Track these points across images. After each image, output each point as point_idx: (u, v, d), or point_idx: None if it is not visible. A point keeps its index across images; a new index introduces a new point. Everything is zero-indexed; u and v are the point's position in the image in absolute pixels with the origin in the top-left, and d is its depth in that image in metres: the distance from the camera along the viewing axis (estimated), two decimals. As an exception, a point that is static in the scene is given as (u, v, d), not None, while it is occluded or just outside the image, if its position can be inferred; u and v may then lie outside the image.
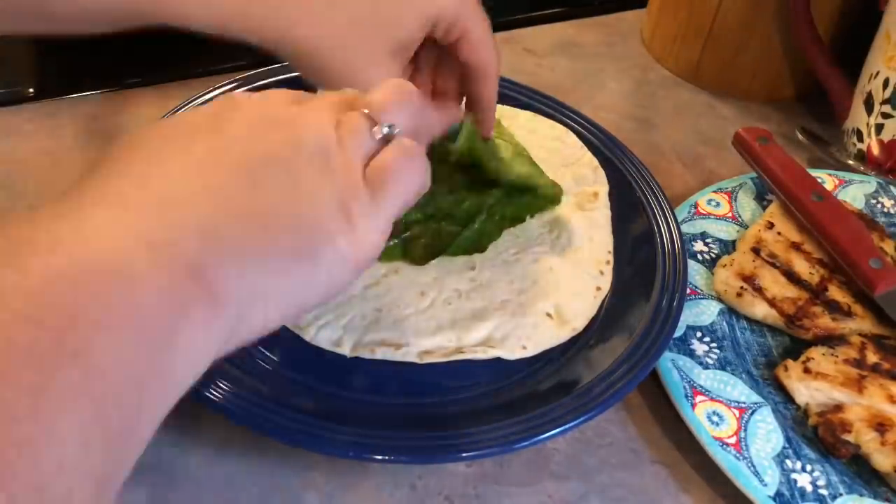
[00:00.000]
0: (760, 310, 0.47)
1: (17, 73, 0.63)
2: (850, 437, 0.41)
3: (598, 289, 0.46)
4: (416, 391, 0.41)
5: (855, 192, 0.58)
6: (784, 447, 0.41)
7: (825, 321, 0.47)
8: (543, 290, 0.45)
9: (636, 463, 0.42)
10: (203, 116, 0.30)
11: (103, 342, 0.22)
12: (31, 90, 0.61)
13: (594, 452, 0.42)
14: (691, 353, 0.45)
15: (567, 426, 0.38)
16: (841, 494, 0.39)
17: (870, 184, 0.59)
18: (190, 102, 0.52)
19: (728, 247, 0.52)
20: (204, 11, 0.38)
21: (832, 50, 0.66)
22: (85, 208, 0.26)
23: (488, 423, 0.38)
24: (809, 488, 0.39)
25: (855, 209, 0.55)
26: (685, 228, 0.52)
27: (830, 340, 0.46)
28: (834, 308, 0.48)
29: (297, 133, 0.29)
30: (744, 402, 0.43)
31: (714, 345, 0.46)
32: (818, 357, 0.45)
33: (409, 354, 0.41)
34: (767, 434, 0.41)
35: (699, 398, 0.42)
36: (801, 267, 0.50)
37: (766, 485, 0.39)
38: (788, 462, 0.40)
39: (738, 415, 0.42)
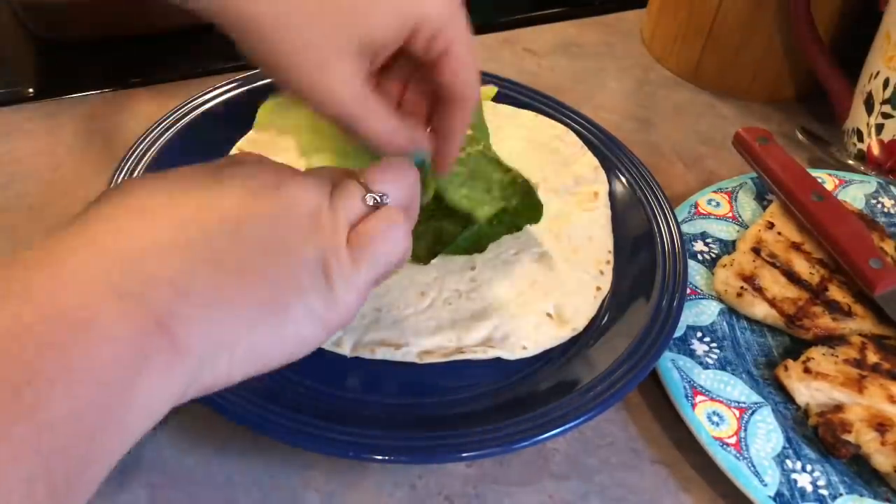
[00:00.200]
0: (760, 310, 0.47)
1: (17, 73, 0.63)
2: (850, 437, 0.41)
3: (598, 289, 0.46)
4: (416, 391, 0.41)
5: (855, 192, 0.58)
6: (784, 447, 0.41)
7: (825, 321, 0.47)
8: (543, 290, 0.45)
9: (636, 463, 0.42)
10: (204, 169, 0.31)
11: (59, 398, 0.23)
12: (31, 90, 0.61)
13: (594, 452, 0.42)
14: (691, 353, 0.45)
15: (567, 426, 0.38)
16: (841, 494, 0.39)
17: (870, 184, 0.59)
18: (190, 102, 0.52)
19: (728, 247, 0.52)
20: None
21: (832, 50, 0.66)
22: (62, 257, 0.26)
23: (488, 423, 0.38)
24: (809, 488, 0.39)
25: (855, 209, 0.55)
26: (685, 228, 0.52)
27: (830, 340, 0.46)
28: (834, 308, 0.48)
29: (291, 196, 0.31)
30: (744, 402, 0.43)
31: (714, 345, 0.46)
32: (818, 357, 0.45)
33: (409, 354, 0.41)
34: (767, 434, 0.41)
35: (699, 398, 0.42)
36: (802, 267, 0.50)
37: (766, 485, 0.39)
38: (788, 462, 0.40)
39: (738, 415, 0.42)
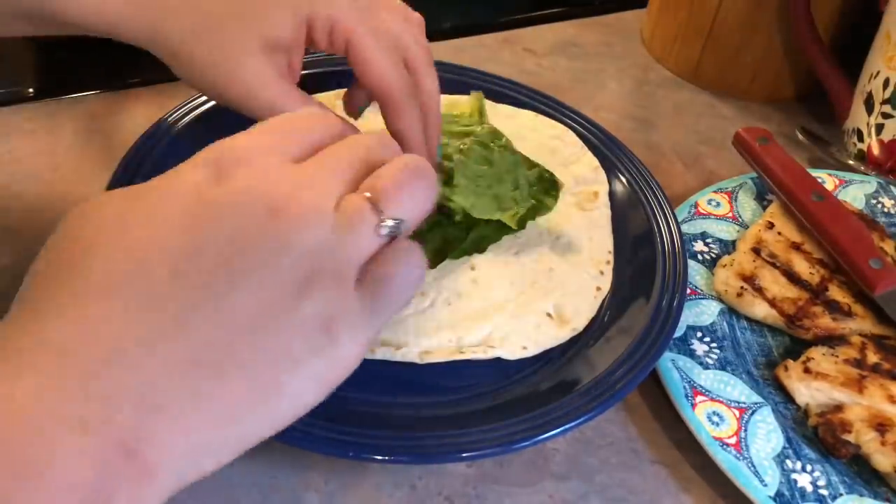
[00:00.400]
0: (761, 310, 0.47)
1: (17, 73, 0.63)
2: (850, 438, 0.41)
3: (598, 289, 0.46)
4: (416, 391, 0.41)
5: (855, 192, 0.58)
6: (784, 447, 0.41)
7: (825, 321, 0.47)
8: (543, 290, 0.45)
9: (636, 463, 0.42)
10: (181, 199, 0.26)
11: None
12: (31, 90, 0.61)
13: (594, 452, 0.42)
14: (691, 353, 0.45)
15: (567, 426, 0.38)
16: (841, 494, 0.39)
17: (870, 184, 0.59)
18: (190, 102, 0.52)
19: (728, 247, 0.52)
20: (93, 15, 0.37)
21: (832, 50, 0.66)
22: (18, 369, 0.22)
23: (488, 423, 0.38)
24: (810, 488, 0.39)
25: (855, 209, 0.55)
26: (685, 228, 0.52)
27: (830, 340, 0.46)
28: (834, 308, 0.48)
29: (285, 231, 0.25)
30: (744, 402, 0.43)
31: (714, 345, 0.46)
32: (818, 357, 0.45)
33: (409, 354, 0.41)
34: (768, 434, 0.41)
35: (699, 398, 0.42)
36: (802, 267, 0.50)
37: (766, 485, 0.39)
38: (789, 462, 0.40)
39: (738, 415, 0.42)
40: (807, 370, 0.44)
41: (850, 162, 0.62)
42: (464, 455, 0.37)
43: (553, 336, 0.43)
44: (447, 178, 0.46)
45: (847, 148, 0.64)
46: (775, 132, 0.61)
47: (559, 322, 0.44)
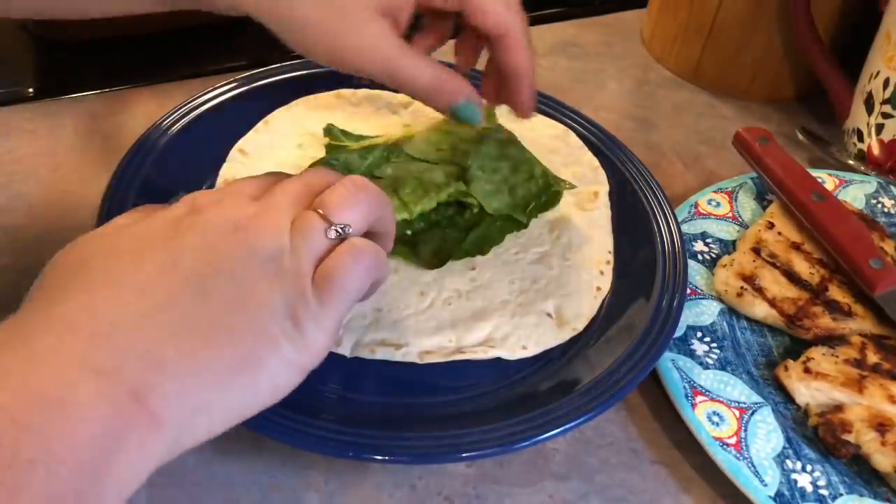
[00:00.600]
0: (761, 310, 0.47)
1: (17, 73, 0.63)
2: (850, 438, 0.41)
3: (598, 289, 0.46)
4: (416, 391, 0.41)
5: (855, 192, 0.58)
6: (784, 447, 0.41)
7: (825, 321, 0.47)
8: (543, 290, 0.45)
9: (636, 463, 0.42)
10: (162, 224, 0.31)
11: (38, 479, 0.23)
12: (31, 90, 0.61)
13: (594, 452, 0.42)
14: (691, 353, 0.45)
15: (567, 426, 0.38)
16: (841, 494, 0.39)
17: (870, 184, 0.59)
18: (190, 102, 0.52)
19: (728, 247, 0.52)
20: None
21: (832, 50, 0.66)
22: (34, 337, 0.26)
23: (488, 423, 0.38)
24: (810, 488, 0.39)
25: (855, 209, 0.55)
26: (685, 228, 0.52)
27: (830, 340, 0.46)
28: (834, 308, 0.48)
29: (251, 241, 0.30)
30: (744, 402, 0.43)
31: (714, 345, 0.46)
32: (818, 357, 0.45)
33: (409, 354, 0.41)
34: (768, 434, 0.41)
35: (699, 398, 0.42)
36: (802, 267, 0.50)
37: (766, 485, 0.39)
38: (789, 462, 0.40)
39: (738, 415, 0.42)
40: (807, 370, 0.44)
41: (850, 162, 0.62)
42: (464, 455, 0.37)
43: (553, 336, 0.43)
44: (464, 173, 0.46)
45: (847, 148, 0.64)
46: (775, 132, 0.61)
47: (559, 322, 0.44)
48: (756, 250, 0.50)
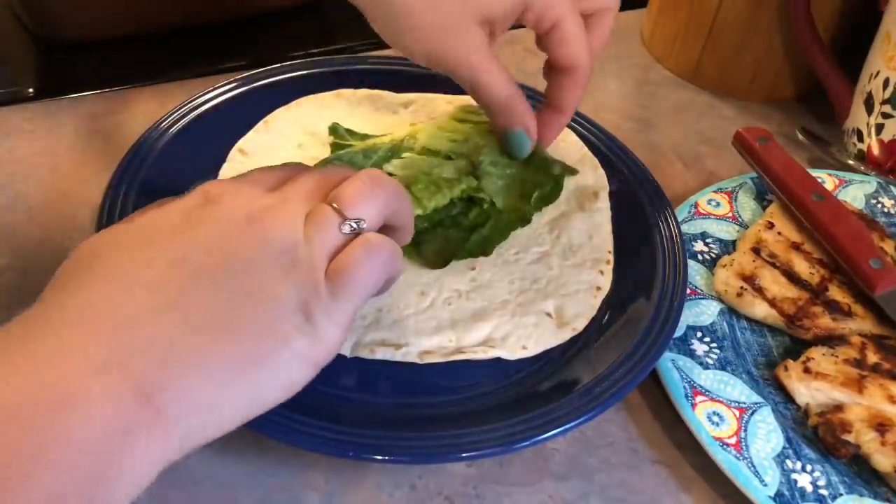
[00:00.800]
0: (760, 310, 0.47)
1: (17, 73, 0.63)
2: (850, 438, 0.41)
3: (598, 289, 0.46)
4: (416, 391, 0.41)
5: (855, 192, 0.58)
6: (784, 447, 0.41)
7: (825, 321, 0.47)
8: (543, 290, 0.45)
9: (636, 463, 0.42)
10: (174, 215, 0.31)
11: (42, 476, 0.23)
12: (31, 90, 0.61)
13: (594, 452, 0.42)
14: (691, 353, 0.45)
15: (567, 426, 0.38)
16: (841, 494, 0.39)
17: (870, 184, 0.59)
18: (190, 102, 0.52)
19: (728, 247, 0.52)
20: None
21: (832, 50, 0.66)
22: (47, 332, 0.26)
23: (488, 423, 0.38)
24: (810, 488, 0.39)
25: (855, 209, 0.55)
26: (685, 228, 0.52)
27: (830, 340, 0.46)
28: (834, 308, 0.48)
29: (264, 234, 0.30)
30: (744, 402, 0.43)
31: (714, 345, 0.46)
32: (818, 357, 0.45)
33: (409, 355, 0.41)
34: (767, 434, 0.41)
35: (699, 398, 0.42)
36: (802, 267, 0.50)
37: (766, 485, 0.39)
38: (788, 462, 0.40)
39: (738, 415, 0.42)
40: (807, 370, 0.44)
41: (850, 162, 0.62)
42: (464, 455, 0.38)
43: (553, 336, 0.43)
44: (475, 169, 0.47)
45: (847, 148, 0.64)
46: (775, 132, 0.61)
47: (559, 322, 0.44)
48: (756, 250, 0.50)
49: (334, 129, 0.52)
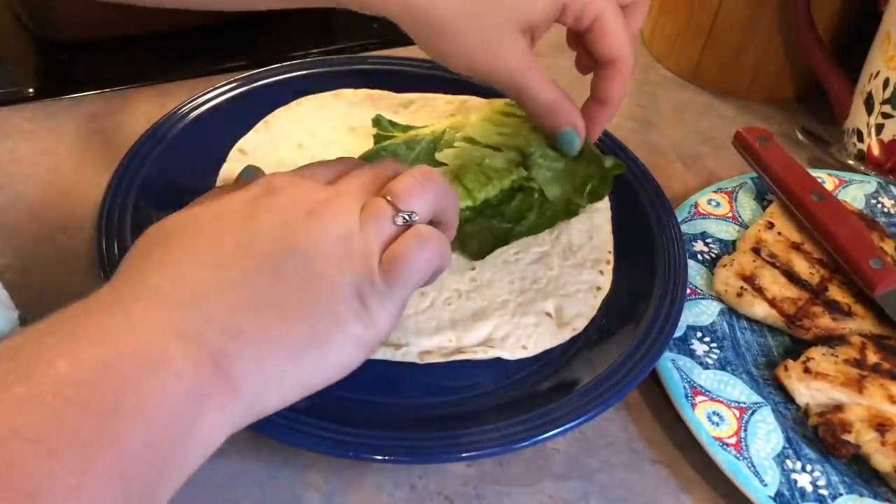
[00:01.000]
0: (760, 310, 0.47)
1: (17, 73, 0.63)
2: (850, 438, 0.41)
3: (598, 289, 0.46)
4: (415, 391, 0.41)
5: (855, 192, 0.58)
6: (784, 447, 0.41)
7: (825, 321, 0.47)
8: (543, 290, 0.45)
9: (636, 463, 0.42)
10: (241, 203, 0.33)
11: (138, 429, 0.25)
12: (31, 90, 0.61)
13: (594, 452, 0.42)
14: (691, 353, 0.45)
15: (567, 426, 0.38)
16: (841, 494, 0.39)
17: (870, 184, 0.59)
18: (190, 102, 0.52)
19: (728, 247, 0.52)
20: None
21: (832, 50, 0.66)
22: (129, 303, 0.29)
23: (488, 423, 0.38)
24: (810, 488, 0.39)
25: (855, 209, 0.55)
26: (685, 228, 0.52)
27: (830, 340, 0.46)
28: (834, 308, 0.48)
29: (323, 224, 0.32)
30: (744, 402, 0.43)
31: (714, 345, 0.46)
32: (818, 357, 0.45)
33: (409, 354, 0.41)
34: (767, 434, 0.41)
35: (699, 398, 0.42)
36: (801, 267, 0.50)
37: (766, 485, 0.39)
38: (788, 462, 0.40)
39: (738, 415, 0.42)
40: (807, 370, 0.44)
41: (850, 162, 0.62)
42: (464, 455, 0.38)
43: (553, 336, 0.43)
44: (525, 160, 0.47)
45: (847, 148, 0.64)
46: (775, 132, 0.61)
47: (559, 322, 0.44)
48: (756, 250, 0.50)
49: (377, 121, 0.52)
